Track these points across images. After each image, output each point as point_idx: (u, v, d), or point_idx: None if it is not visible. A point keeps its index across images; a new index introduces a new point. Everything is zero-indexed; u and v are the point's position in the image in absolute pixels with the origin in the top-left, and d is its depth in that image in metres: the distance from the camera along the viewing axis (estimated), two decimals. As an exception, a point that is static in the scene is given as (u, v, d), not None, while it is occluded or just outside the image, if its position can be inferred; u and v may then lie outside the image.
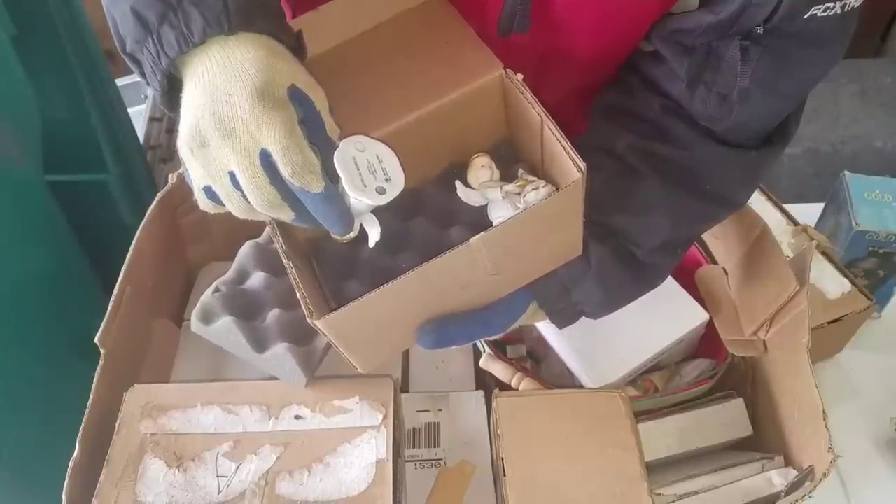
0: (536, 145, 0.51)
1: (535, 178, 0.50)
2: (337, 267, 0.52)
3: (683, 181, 0.53)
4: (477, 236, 0.44)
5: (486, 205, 0.52)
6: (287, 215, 0.42)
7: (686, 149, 0.53)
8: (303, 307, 0.44)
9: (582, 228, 0.50)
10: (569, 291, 0.54)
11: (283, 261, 0.46)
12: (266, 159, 0.39)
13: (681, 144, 0.53)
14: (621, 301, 0.57)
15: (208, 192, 0.41)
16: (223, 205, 0.42)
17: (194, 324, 0.60)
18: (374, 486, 0.51)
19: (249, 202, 0.40)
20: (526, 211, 0.46)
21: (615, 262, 0.53)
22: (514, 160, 0.55)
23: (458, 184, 0.52)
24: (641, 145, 0.54)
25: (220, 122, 0.38)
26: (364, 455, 0.53)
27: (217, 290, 0.62)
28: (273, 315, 0.61)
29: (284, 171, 0.39)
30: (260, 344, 0.59)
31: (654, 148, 0.54)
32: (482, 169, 0.52)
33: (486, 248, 0.45)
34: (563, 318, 0.56)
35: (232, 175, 0.40)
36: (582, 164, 0.45)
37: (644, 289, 0.58)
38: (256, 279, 0.65)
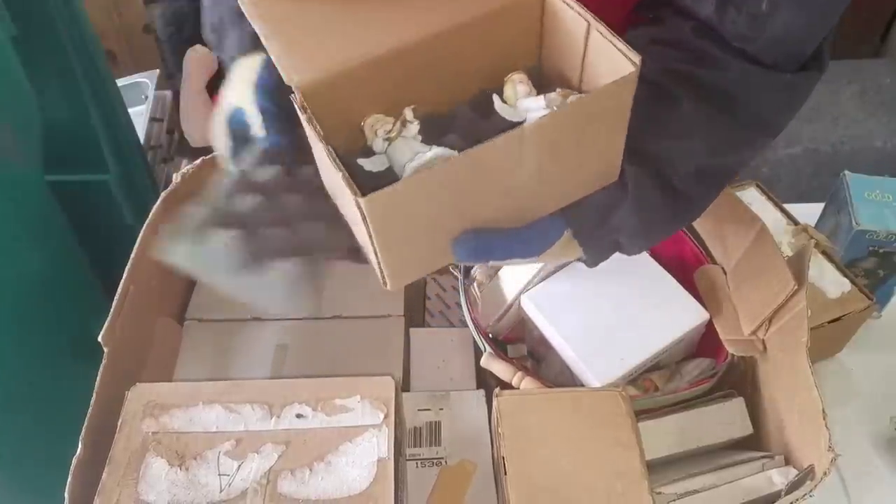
0: (573, 64, 0.49)
1: (576, 91, 0.49)
2: (360, 182, 0.49)
3: (719, 103, 0.52)
4: (529, 123, 0.43)
5: (525, 120, 0.50)
6: None
7: (722, 69, 0.52)
8: (347, 186, 0.42)
9: (623, 145, 0.49)
10: (605, 218, 0.53)
11: (321, 145, 0.45)
12: None
13: (716, 65, 0.52)
14: (656, 231, 0.55)
15: None
16: None
17: (176, 251, 0.53)
18: (375, 484, 0.51)
19: None
20: (579, 100, 0.45)
21: (652, 186, 0.52)
22: (545, 87, 0.53)
23: (495, 98, 0.50)
24: (676, 68, 0.53)
25: None
26: (366, 454, 0.53)
27: (203, 207, 0.57)
28: (274, 232, 0.57)
29: None
30: (261, 263, 0.55)
31: (689, 70, 0.52)
32: (521, 84, 0.50)
33: (536, 138, 0.44)
34: (596, 250, 0.55)
35: None
36: (636, 59, 0.44)
37: (679, 220, 0.57)
38: (246, 201, 0.59)
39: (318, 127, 0.45)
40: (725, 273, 0.72)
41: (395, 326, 0.76)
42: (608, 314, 0.69)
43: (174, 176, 0.70)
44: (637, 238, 0.55)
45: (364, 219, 0.43)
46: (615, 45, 0.45)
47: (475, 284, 0.74)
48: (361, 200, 0.42)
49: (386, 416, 0.55)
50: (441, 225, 0.48)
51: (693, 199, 0.55)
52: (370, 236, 0.45)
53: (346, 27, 0.48)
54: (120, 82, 1.09)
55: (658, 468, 0.64)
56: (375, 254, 0.47)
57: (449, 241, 0.49)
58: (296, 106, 0.46)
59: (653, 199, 0.52)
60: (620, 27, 0.57)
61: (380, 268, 0.48)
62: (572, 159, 0.48)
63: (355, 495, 0.51)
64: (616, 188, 0.52)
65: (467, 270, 0.76)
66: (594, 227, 0.53)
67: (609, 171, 0.51)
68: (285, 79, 0.46)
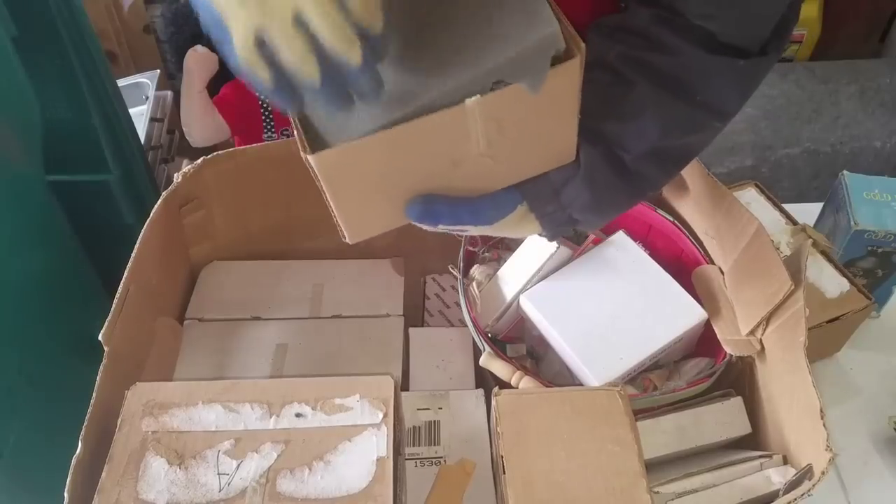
0: None
1: None
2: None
3: (672, 87, 0.54)
4: (472, 98, 0.45)
5: None
6: (355, 55, 0.40)
7: (674, 55, 0.54)
8: (298, 141, 0.45)
9: (576, 128, 0.51)
10: (557, 193, 0.55)
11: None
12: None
13: (669, 51, 0.54)
14: (610, 207, 0.58)
15: (259, 41, 0.39)
16: (269, 59, 0.39)
17: None
18: (374, 483, 0.51)
19: (314, 43, 0.39)
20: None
21: (604, 164, 0.54)
22: None
23: None
24: (632, 54, 0.55)
25: None
26: (365, 453, 0.53)
27: None
28: None
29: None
30: None
31: (644, 56, 0.55)
32: None
33: (481, 114, 0.46)
34: (552, 224, 0.57)
35: (298, 15, 0.38)
36: (581, 45, 0.45)
37: (634, 197, 0.59)
38: None
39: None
40: (723, 273, 0.72)
41: (394, 326, 0.76)
42: (607, 314, 0.70)
43: (175, 176, 0.70)
44: (589, 213, 0.56)
45: (314, 173, 0.46)
46: (566, 29, 0.46)
47: (474, 284, 0.75)
48: (310, 157, 0.44)
49: (385, 416, 0.55)
50: (394, 187, 0.49)
51: (646, 177, 0.57)
52: (322, 190, 0.47)
53: None
54: (120, 82, 1.09)
55: (656, 467, 0.64)
56: (331, 208, 0.49)
57: (403, 204, 0.51)
58: None
59: (604, 176, 0.54)
60: (588, 16, 0.59)
61: (337, 221, 0.50)
62: (522, 138, 0.50)
63: (354, 494, 0.51)
64: (570, 164, 0.54)
65: (466, 270, 0.76)
66: (547, 201, 0.55)
67: (564, 151, 0.53)
68: None
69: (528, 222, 0.56)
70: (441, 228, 0.53)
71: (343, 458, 0.53)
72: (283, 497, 0.51)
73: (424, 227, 0.53)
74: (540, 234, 0.58)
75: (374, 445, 0.53)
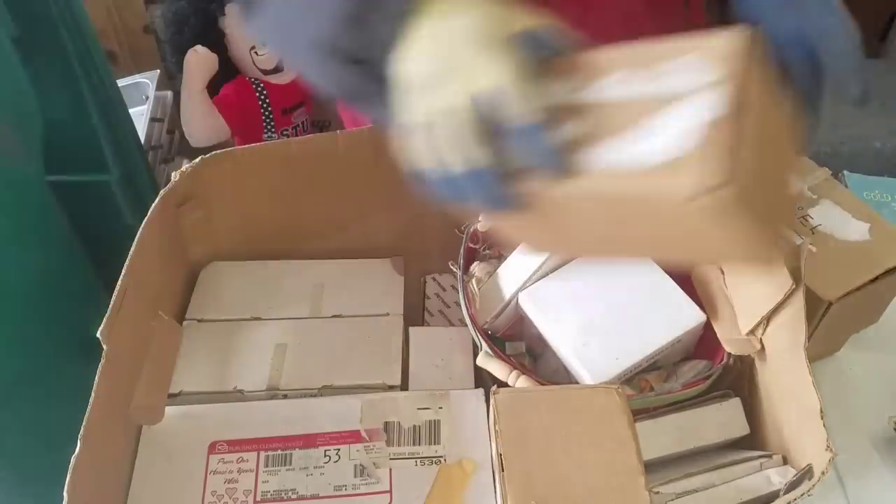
0: None
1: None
2: None
3: None
4: None
5: None
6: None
7: None
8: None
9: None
10: None
11: None
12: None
13: None
14: None
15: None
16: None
17: None
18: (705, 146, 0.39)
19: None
20: None
21: None
22: None
23: None
24: None
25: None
26: (691, 118, 0.41)
27: None
28: None
29: None
30: None
31: None
32: None
33: None
34: None
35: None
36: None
37: None
38: None
39: None
40: (723, 273, 0.72)
41: (394, 325, 0.76)
42: (605, 314, 0.69)
43: (173, 175, 0.70)
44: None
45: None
46: None
47: (474, 281, 0.75)
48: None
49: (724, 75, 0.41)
50: None
51: None
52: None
53: None
54: (120, 83, 1.09)
55: (656, 468, 0.64)
56: None
57: None
58: None
59: None
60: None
61: None
62: None
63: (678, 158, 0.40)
64: None
65: (467, 267, 0.76)
66: None
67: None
68: None
69: None
70: None
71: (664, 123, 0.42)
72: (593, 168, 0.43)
73: None
74: None
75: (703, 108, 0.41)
